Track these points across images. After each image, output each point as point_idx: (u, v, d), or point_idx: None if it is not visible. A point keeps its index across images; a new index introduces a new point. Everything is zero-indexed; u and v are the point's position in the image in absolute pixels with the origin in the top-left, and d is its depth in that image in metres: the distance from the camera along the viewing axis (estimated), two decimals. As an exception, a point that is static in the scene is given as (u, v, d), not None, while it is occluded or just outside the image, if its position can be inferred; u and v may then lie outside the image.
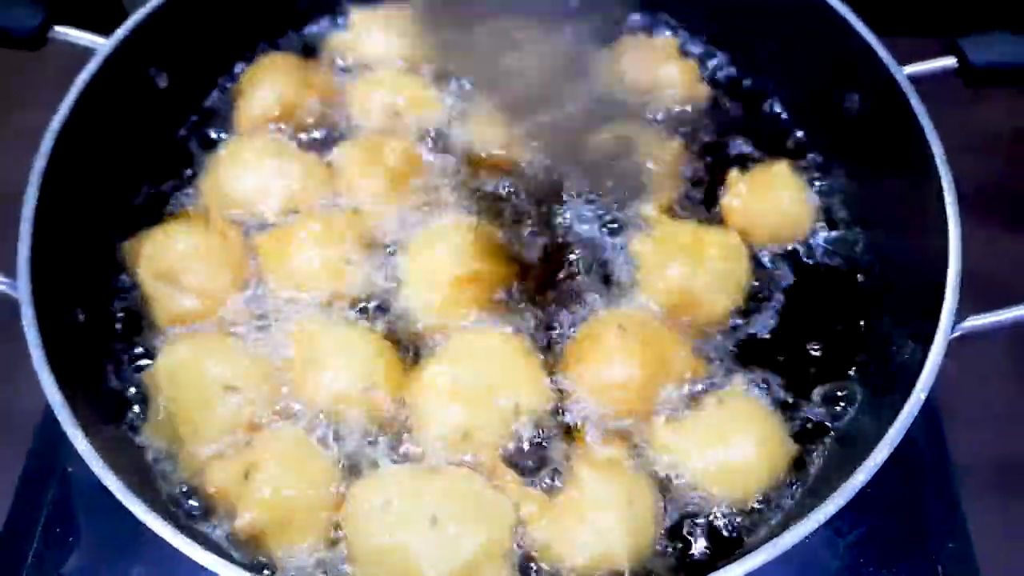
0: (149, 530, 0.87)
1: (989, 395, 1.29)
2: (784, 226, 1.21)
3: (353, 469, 1.01)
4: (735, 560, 0.87)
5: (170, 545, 0.86)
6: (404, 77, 1.31)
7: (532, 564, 0.96)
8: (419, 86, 1.30)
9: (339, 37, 1.37)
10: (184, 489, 1.02)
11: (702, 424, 1.03)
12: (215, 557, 0.85)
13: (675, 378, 1.07)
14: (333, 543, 0.97)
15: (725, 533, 1.01)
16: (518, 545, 0.96)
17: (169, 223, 1.18)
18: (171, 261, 1.12)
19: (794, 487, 1.03)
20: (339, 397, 1.03)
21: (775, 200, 1.21)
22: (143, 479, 1.00)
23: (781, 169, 1.23)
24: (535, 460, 1.03)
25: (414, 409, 1.04)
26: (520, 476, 1.00)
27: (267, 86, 1.28)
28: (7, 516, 1.16)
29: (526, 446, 1.03)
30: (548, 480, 1.02)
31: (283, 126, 1.28)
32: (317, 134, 1.29)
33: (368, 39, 1.35)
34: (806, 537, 0.87)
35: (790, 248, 1.21)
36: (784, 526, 0.92)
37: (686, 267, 1.12)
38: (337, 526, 0.97)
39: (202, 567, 0.85)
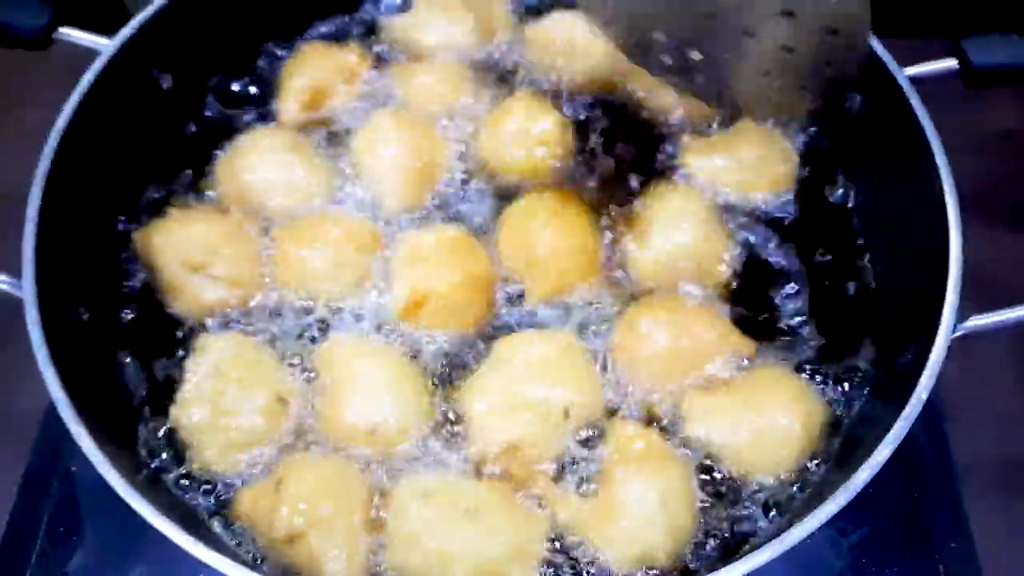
0: (152, 529, 0.87)
1: (991, 395, 1.29)
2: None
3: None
4: (738, 558, 0.87)
5: (173, 543, 0.87)
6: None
7: (572, 567, 0.97)
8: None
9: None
10: (188, 486, 1.02)
11: (736, 397, 1.04)
12: (219, 555, 0.86)
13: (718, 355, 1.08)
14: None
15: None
16: (557, 550, 0.97)
17: (186, 211, 1.18)
18: (200, 249, 1.12)
19: (794, 487, 1.03)
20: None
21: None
22: (147, 478, 1.01)
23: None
24: (571, 460, 1.03)
25: (464, 419, 1.04)
26: (555, 480, 1.01)
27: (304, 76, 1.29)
28: (11, 515, 1.16)
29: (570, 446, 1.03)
30: (584, 481, 1.02)
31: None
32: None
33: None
34: (809, 537, 0.88)
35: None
36: (787, 525, 0.92)
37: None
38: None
39: (205, 565, 0.86)
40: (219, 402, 1.01)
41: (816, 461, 1.04)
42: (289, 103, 1.28)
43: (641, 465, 0.98)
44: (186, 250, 1.12)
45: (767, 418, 1.02)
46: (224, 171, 1.22)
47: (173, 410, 1.03)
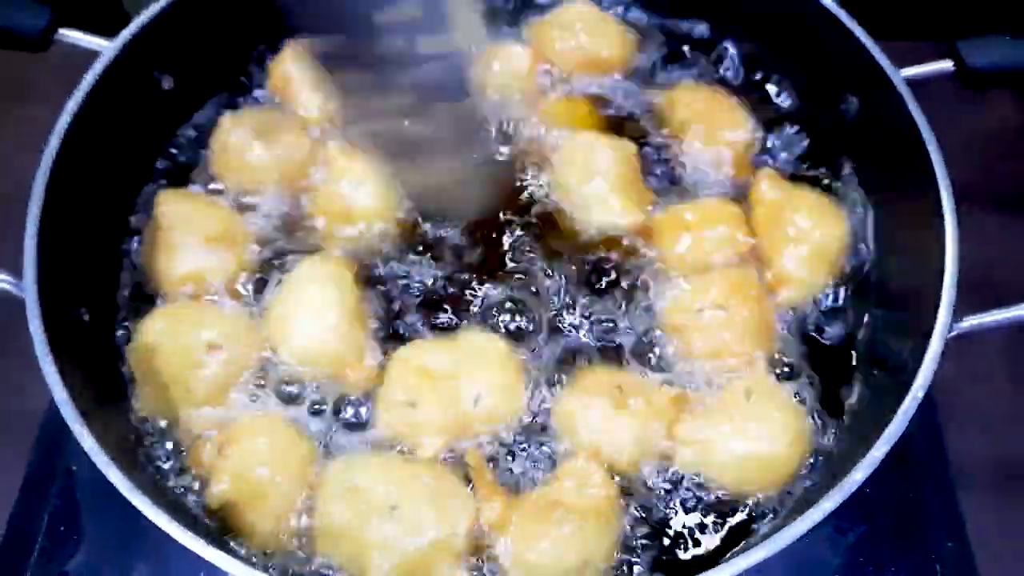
0: (153, 527, 0.87)
1: (988, 395, 1.30)
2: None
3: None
4: (734, 556, 0.87)
5: (173, 542, 0.87)
6: None
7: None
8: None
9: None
10: (189, 484, 1.02)
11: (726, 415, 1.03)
12: (221, 553, 0.86)
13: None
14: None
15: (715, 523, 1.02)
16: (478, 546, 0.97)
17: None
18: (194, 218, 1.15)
19: (789, 488, 1.04)
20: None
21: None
22: (148, 476, 1.01)
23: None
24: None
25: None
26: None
27: None
28: (12, 515, 1.16)
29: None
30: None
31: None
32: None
33: None
34: (806, 535, 0.88)
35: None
36: (783, 522, 0.93)
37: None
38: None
39: (206, 563, 0.86)
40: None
41: (811, 461, 1.04)
42: None
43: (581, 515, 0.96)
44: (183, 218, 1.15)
45: (755, 444, 1.01)
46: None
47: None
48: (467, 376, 1.05)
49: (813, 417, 1.07)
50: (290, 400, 1.07)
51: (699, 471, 1.03)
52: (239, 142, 1.22)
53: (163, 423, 1.06)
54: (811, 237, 1.15)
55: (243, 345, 1.07)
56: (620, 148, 1.22)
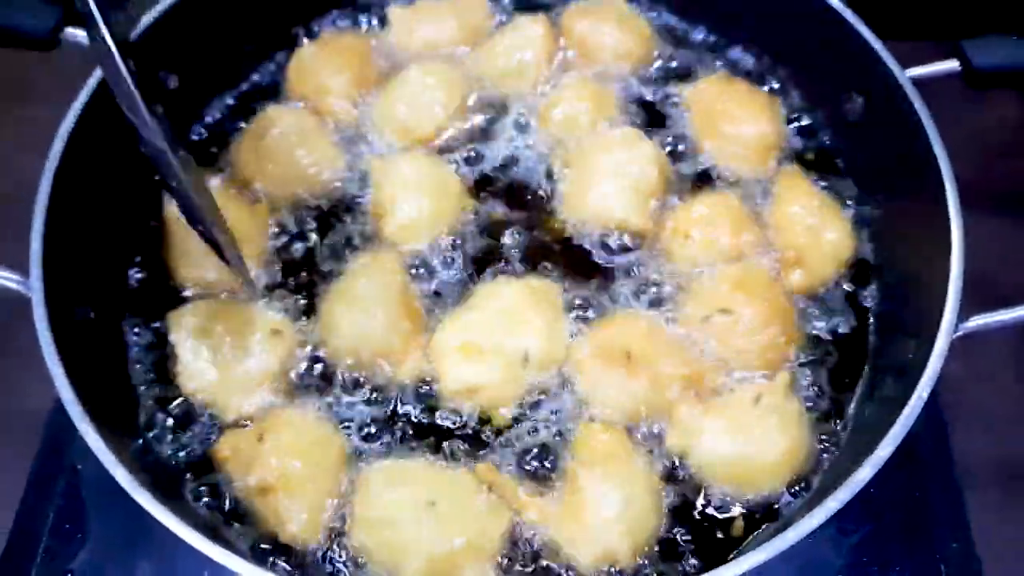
0: (158, 526, 0.87)
1: (993, 395, 1.30)
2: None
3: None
4: (738, 556, 0.87)
5: (178, 541, 0.87)
6: None
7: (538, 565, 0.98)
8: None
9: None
10: (195, 483, 1.03)
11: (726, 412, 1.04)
12: (226, 552, 0.86)
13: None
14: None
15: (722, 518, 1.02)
16: (518, 544, 0.98)
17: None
18: None
19: (794, 487, 1.04)
20: None
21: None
22: (154, 475, 1.00)
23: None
24: (538, 461, 1.04)
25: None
26: (522, 480, 1.02)
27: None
28: (17, 513, 1.17)
29: (529, 445, 1.05)
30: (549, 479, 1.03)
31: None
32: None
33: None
34: (811, 535, 0.88)
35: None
36: (787, 523, 0.93)
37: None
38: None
39: (210, 562, 0.86)
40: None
41: (815, 462, 1.04)
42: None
43: (606, 466, 0.99)
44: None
45: (741, 448, 1.01)
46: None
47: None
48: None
49: (820, 414, 1.08)
50: (327, 390, 1.08)
51: (685, 455, 1.03)
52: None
53: (170, 421, 1.07)
54: (822, 231, 1.17)
55: (289, 337, 1.09)
56: (639, 147, 1.22)
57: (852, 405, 1.10)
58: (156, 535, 0.88)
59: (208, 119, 1.33)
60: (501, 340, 1.07)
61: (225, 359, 1.06)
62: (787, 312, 1.12)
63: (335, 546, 0.98)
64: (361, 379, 1.09)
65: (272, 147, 1.23)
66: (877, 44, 1.19)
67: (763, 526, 1.01)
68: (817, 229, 1.17)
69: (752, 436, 1.01)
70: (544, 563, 0.97)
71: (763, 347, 1.08)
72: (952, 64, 1.17)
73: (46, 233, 1.03)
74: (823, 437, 1.07)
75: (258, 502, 0.99)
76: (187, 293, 1.15)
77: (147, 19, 1.21)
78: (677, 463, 1.03)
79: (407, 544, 0.94)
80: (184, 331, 1.08)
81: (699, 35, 1.42)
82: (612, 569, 0.96)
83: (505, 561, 0.97)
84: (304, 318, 1.13)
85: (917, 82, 1.15)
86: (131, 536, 1.12)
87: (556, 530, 0.98)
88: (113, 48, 0.87)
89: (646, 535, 0.98)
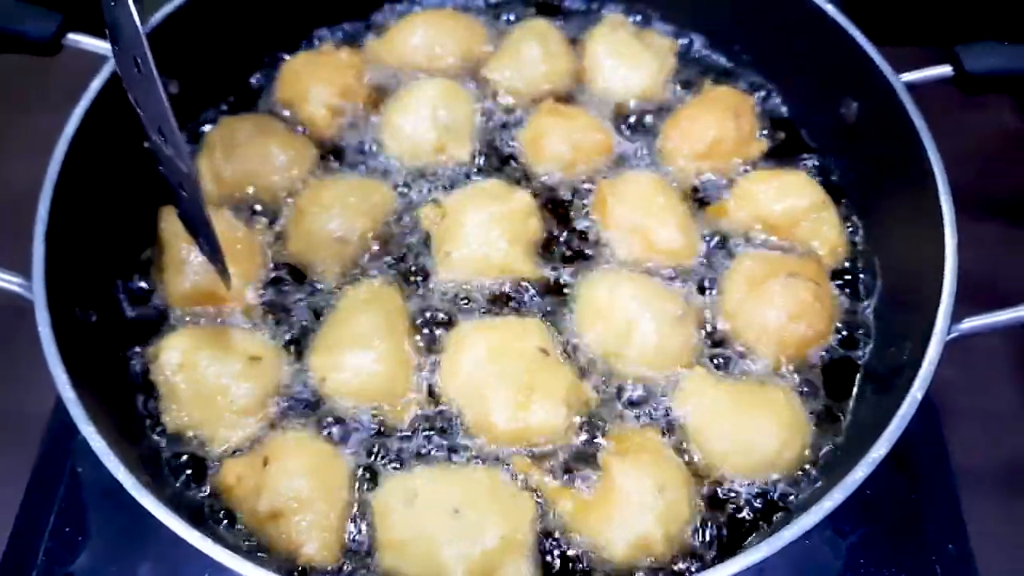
0: (158, 528, 0.87)
1: (988, 397, 1.31)
2: None
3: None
4: (734, 556, 0.88)
5: (178, 542, 0.87)
6: None
7: (570, 557, 0.98)
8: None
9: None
10: (195, 484, 1.03)
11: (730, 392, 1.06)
12: (227, 552, 0.86)
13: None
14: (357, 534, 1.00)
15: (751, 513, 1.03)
16: (552, 538, 0.99)
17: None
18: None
19: (790, 486, 1.04)
20: None
21: None
22: (155, 476, 1.01)
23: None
24: (568, 455, 1.05)
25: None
26: (553, 473, 1.02)
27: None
28: (17, 515, 1.17)
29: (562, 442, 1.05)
30: (584, 474, 1.03)
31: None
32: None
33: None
34: (807, 537, 0.89)
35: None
36: (784, 521, 0.93)
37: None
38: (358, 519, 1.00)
39: (212, 563, 0.86)
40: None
41: (812, 461, 1.05)
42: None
43: (639, 455, 1.00)
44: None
45: (748, 428, 1.03)
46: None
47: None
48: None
49: (815, 414, 1.09)
50: (324, 423, 1.07)
51: (683, 422, 1.06)
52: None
53: (177, 432, 1.07)
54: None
55: (271, 364, 1.08)
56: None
57: (847, 406, 1.10)
58: (157, 537, 0.88)
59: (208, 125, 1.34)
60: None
61: (209, 392, 1.04)
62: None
63: (363, 569, 0.98)
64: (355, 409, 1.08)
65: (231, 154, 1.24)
66: (871, 49, 1.20)
67: (760, 525, 1.01)
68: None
69: (740, 418, 1.04)
70: (575, 552, 0.98)
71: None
72: (945, 69, 1.18)
73: (48, 237, 1.04)
74: (819, 437, 1.07)
75: (270, 528, 0.97)
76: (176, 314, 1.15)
77: (149, 23, 1.21)
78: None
79: (442, 557, 0.93)
80: (166, 370, 1.06)
81: (697, 43, 1.44)
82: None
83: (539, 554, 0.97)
84: (294, 346, 1.12)
85: (911, 87, 1.16)
86: (132, 538, 1.12)
87: (590, 520, 0.98)
88: (148, 51, 0.87)
89: (679, 525, 0.98)
